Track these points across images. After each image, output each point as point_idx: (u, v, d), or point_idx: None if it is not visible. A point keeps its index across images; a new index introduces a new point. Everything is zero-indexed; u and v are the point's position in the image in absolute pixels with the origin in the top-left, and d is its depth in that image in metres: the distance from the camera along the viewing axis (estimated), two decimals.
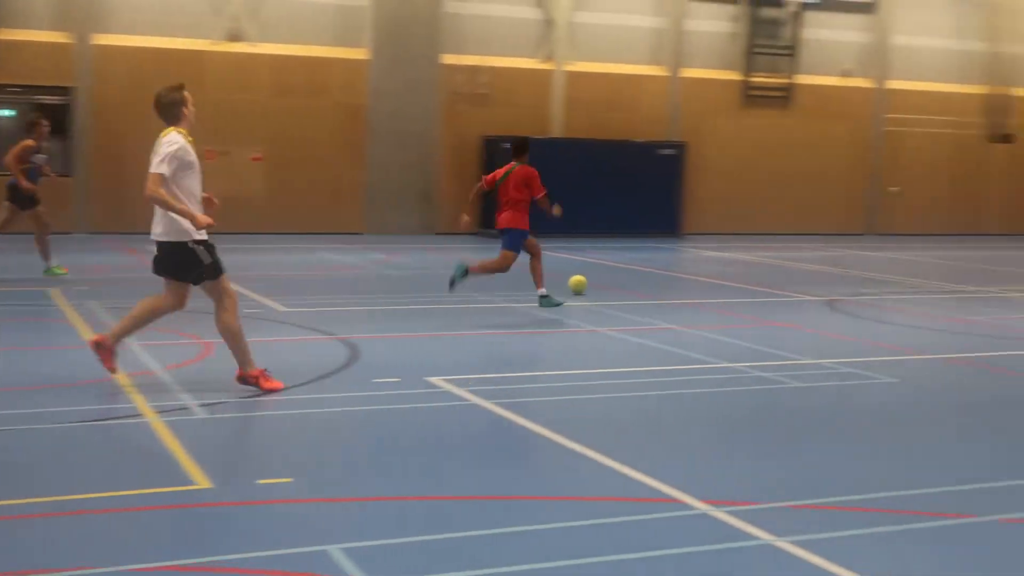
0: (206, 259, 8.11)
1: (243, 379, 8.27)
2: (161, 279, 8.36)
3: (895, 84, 28.28)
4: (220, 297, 8.22)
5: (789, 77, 27.31)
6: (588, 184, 24.09)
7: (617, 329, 11.73)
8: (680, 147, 25.67)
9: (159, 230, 8.09)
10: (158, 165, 7.88)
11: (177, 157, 7.91)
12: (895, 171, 28.30)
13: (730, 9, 26.97)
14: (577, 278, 14.33)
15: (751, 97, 27.08)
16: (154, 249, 8.25)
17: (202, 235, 8.11)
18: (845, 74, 28.01)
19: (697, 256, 21.50)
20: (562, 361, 10.34)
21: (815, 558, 5.20)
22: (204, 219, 8.02)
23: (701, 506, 5.91)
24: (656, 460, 6.86)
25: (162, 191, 7.85)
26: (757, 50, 26.98)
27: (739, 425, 7.95)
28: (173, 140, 7.98)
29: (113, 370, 8.36)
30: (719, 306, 13.95)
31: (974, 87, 28.99)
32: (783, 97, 27.38)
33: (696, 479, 6.45)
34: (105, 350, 8.30)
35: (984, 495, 6.31)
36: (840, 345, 11.25)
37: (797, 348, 10.86)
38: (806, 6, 26.98)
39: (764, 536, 5.48)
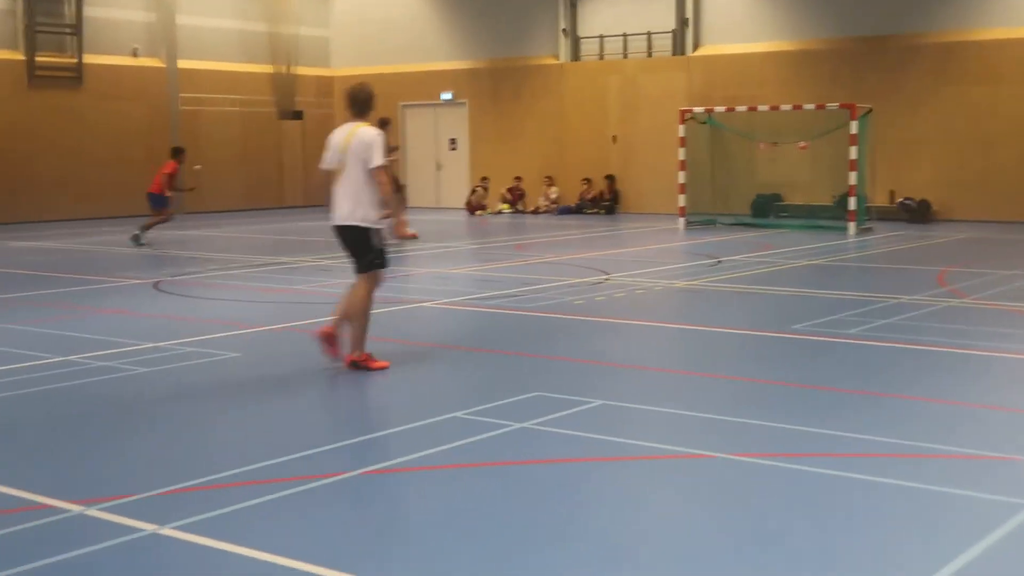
0: (380, 247, 8.86)
1: (354, 363, 8.82)
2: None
3: (186, 64, 28.47)
4: (365, 283, 8.87)
5: (76, 57, 26.37)
6: None
7: None
8: None
9: (354, 214, 8.76)
10: (378, 158, 8.66)
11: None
12: (195, 150, 28.43)
13: None
14: None
15: (38, 78, 25.79)
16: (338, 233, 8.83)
17: (381, 224, 8.86)
18: (134, 54, 27.65)
19: (2, 248, 20.04)
20: None
21: (204, 539, 5.13)
22: (406, 231, 9.52)
23: (75, 507, 5.56)
24: (13, 466, 6.33)
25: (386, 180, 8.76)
26: (39, 28, 25.71)
27: (94, 418, 7.57)
28: (372, 132, 8.73)
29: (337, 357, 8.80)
30: (36, 298, 13.18)
31: (261, 66, 30.07)
32: (73, 77, 26.41)
33: (63, 480, 6.06)
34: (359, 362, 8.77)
35: (346, 452, 6.62)
36: (175, 326, 11.15)
37: (134, 333, 10.58)
38: None
39: (148, 527, 5.29)
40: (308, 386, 8.59)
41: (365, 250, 8.91)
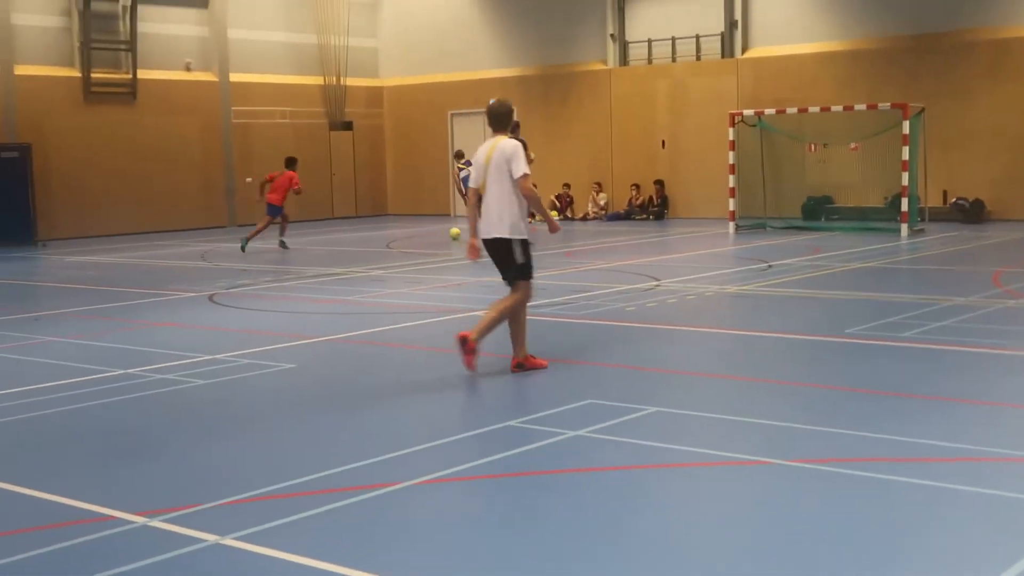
0: (523, 259, 9.04)
1: (519, 365, 9.05)
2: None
3: (238, 77, 28.80)
4: (518, 292, 9.10)
5: (131, 72, 26.76)
6: None
7: None
8: (23, 149, 24.17)
9: (501, 227, 8.92)
10: (523, 167, 8.89)
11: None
12: (248, 162, 28.85)
13: (60, 2, 25.82)
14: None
15: (94, 94, 26.19)
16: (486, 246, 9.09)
17: (527, 235, 9.06)
18: (187, 68, 28.02)
19: (59, 263, 20.40)
20: None
21: (266, 549, 5.21)
22: (557, 225, 9.82)
23: (138, 519, 5.66)
24: (76, 480, 6.46)
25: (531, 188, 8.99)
26: (95, 45, 26.11)
27: (156, 430, 7.70)
28: (512, 143, 8.96)
29: (472, 368, 8.87)
30: (95, 312, 13.40)
31: (311, 78, 30.35)
32: (128, 93, 26.79)
33: (125, 492, 6.17)
34: (469, 348, 8.84)
35: (401, 462, 6.68)
36: (232, 338, 11.28)
37: (190, 346, 10.73)
38: (139, 0, 26.52)
39: (210, 537, 5.38)
40: (363, 397, 8.66)
41: (511, 261, 9.09)
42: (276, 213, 21.50)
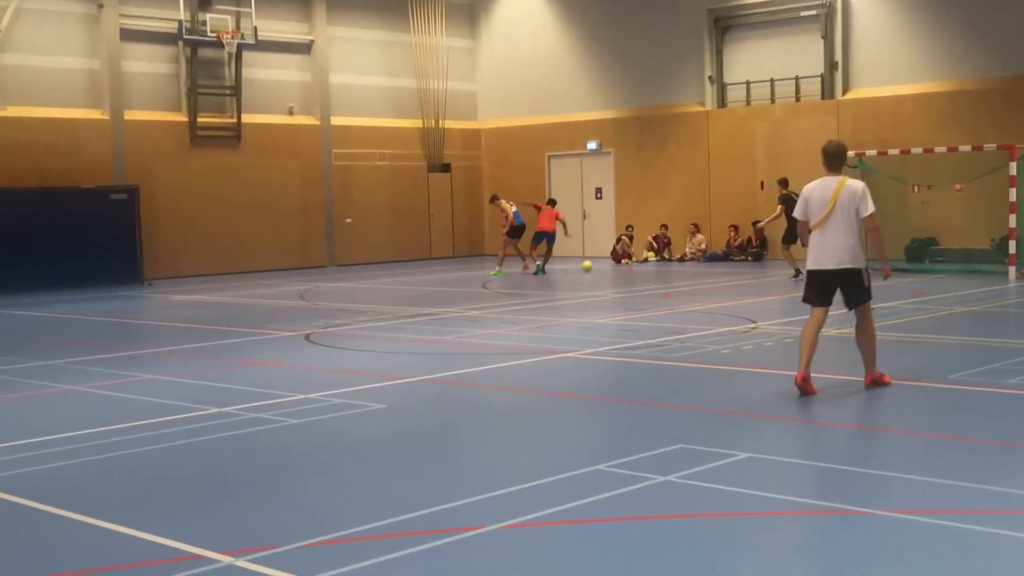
0: (869, 284, 9.90)
1: (874, 382, 9.94)
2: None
3: (338, 120, 29.28)
4: (865, 314, 9.91)
5: (235, 117, 27.37)
6: (32, 234, 22.79)
7: (91, 385, 11.07)
8: (131, 191, 24.84)
9: (847, 258, 9.66)
10: (871, 206, 9.67)
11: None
12: (347, 203, 29.29)
13: (168, 50, 26.56)
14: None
15: (199, 138, 26.83)
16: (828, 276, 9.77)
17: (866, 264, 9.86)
18: (290, 112, 28.57)
19: (164, 301, 20.87)
20: (36, 426, 9.47)
21: None
22: (888, 269, 10.56)
23: (224, 558, 5.68)
24: (165, 517, 6.52)
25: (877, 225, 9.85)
26: (201, 91, 26.78)
27: (245, 468, 7.76)
28: (861, 184, 9.79)
29: (814, 392, 9.64)
30: (196, 351, 13.63)
31: (410, 121, 30.73)
32: (232, 136, 27.39)
33: (212, 531, 6.21)
34: (807, 385, 9.63)
35: (486, 505, 6.62)
36: (325, 377, 11.37)
37: (284, 385, 10.84)
38: (244, 47, 27.15)
39: None
40: (451, 438, 8.65)
41: (859, 288, 9.84)
42: (551, 241, 24.54)
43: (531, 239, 25.04)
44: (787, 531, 6.11)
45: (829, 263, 9.76)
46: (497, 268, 24.75)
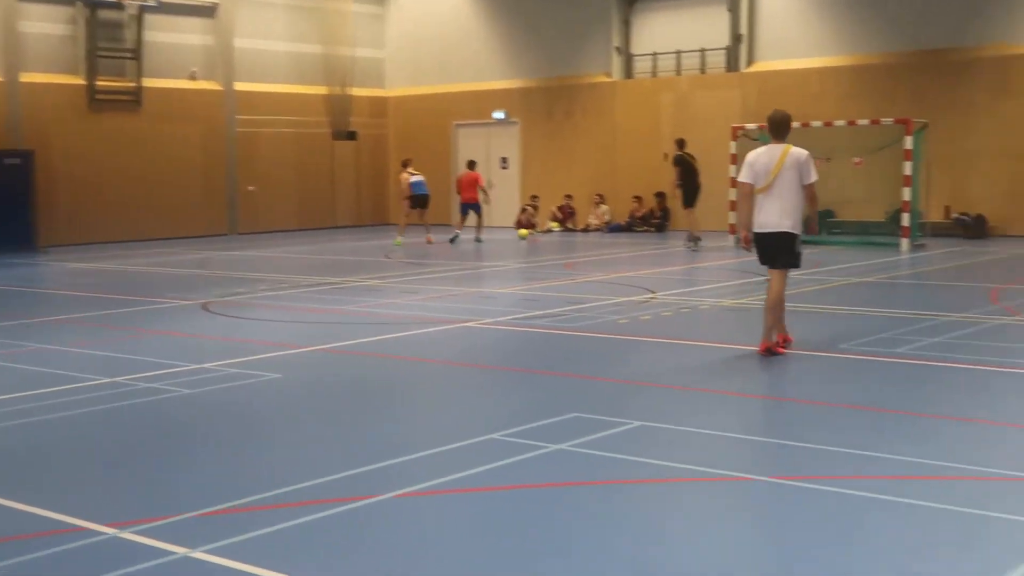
0: (799, 251, 10.26)
1: (768, 350, 10.11)
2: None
3: (242, 86, 28.82)
4: (782, 280, 10.26)
5: (136, 80, 26.79)
6: None
7: None
8: (26, 155, 24.22)
9: (786, 222, 10.08)
10: (814, 175, 10.15)
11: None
12: (250, 170, 28.91)
13: (66, 11, 25.87)
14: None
15: (99, 102, 26.23)
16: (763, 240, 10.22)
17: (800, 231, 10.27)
18: (192, 77, 28.04)
19: (60, 269, 20.41)
20: None
21: (236, 563, 5.14)
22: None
23: (108, 530, 5.61)
24: (52, 489, 6.41)
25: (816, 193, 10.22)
26: (100, 53, 26.15)
27: (134, 439, 7.64)
28: (805, 152, 10.20)
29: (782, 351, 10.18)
30: (90, 319, 13.38)
31: (316, 88, 30.36)
32: (132, 101, 26.82)
33: (98, 503, 6.12)
34: (772, 349, 10.07)
35: (380, 474, 6.63)
36: (221, 347, 11.25)
37: (179, 355, 10.69)
38: (145, 9, 26.55)
39: (179, 550, 5.32)
40: (345, 408, 8.62)
41: (790, 252, 10.27)
42: (479, 209, 24.89)
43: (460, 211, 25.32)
44: (675, 498, 6.21)
45: (769, 226, 10.23)
46: (398, 238, 24.61)
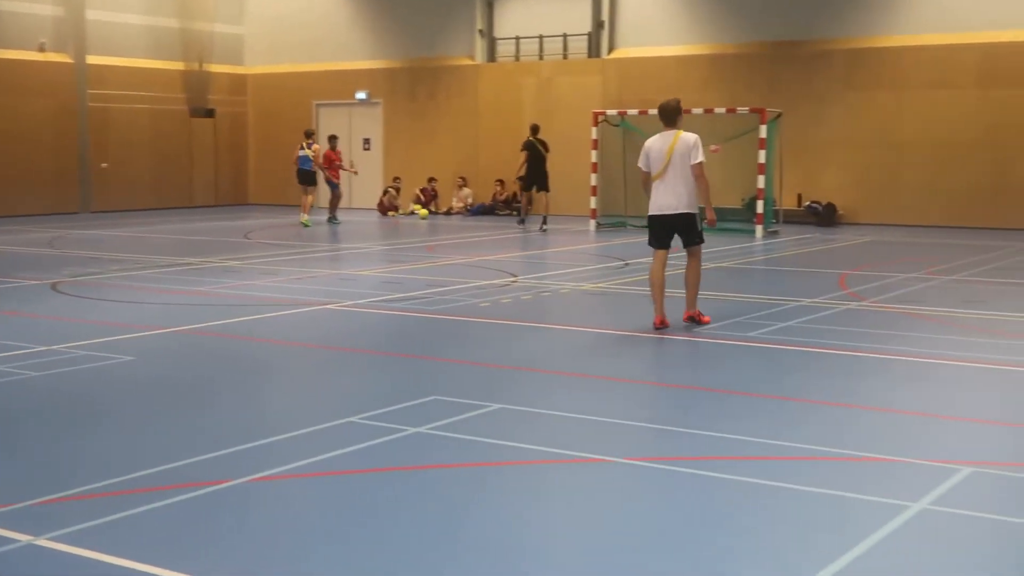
0: (702, 228, 10.89)
1: (691, 319, 10.86)
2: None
3: (95, 60, 27.93)
4: (696, 255, 10.89)
5: None
6: None
7: None
8: None
9: (683, 204, 10.64)
10: (700, 156, 10.60)
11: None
12: (104, 147, 28.03)
13: None
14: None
15: None
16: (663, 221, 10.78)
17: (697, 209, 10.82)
18: (41, 48, 27.05)
19: None
20: None
21: (83, 551, 5.00)
22: (714, 217, 11.29)
23: None
24: None
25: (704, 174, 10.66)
26: None
27: None
28: (693, 136, 10.71)
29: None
30: None
31: (173, 63, 29.61)
32: None
33: None
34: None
35: (235, 459, 6.51)
36: (72, 328, 10.90)
37: (28, 336, 10.32)
38: None
39: (23, 537, 5.14)
40: (200, 391, 8.44)
41: (693, 230, 10.81)
42: (335, 186, 24.54)
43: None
44: (530, 479, 6.25)
45: (668, 209, 10.74)
46: (303, 215, 23.67)
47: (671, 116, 10.91)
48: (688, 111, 22.63)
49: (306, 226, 23.06)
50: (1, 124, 26.08)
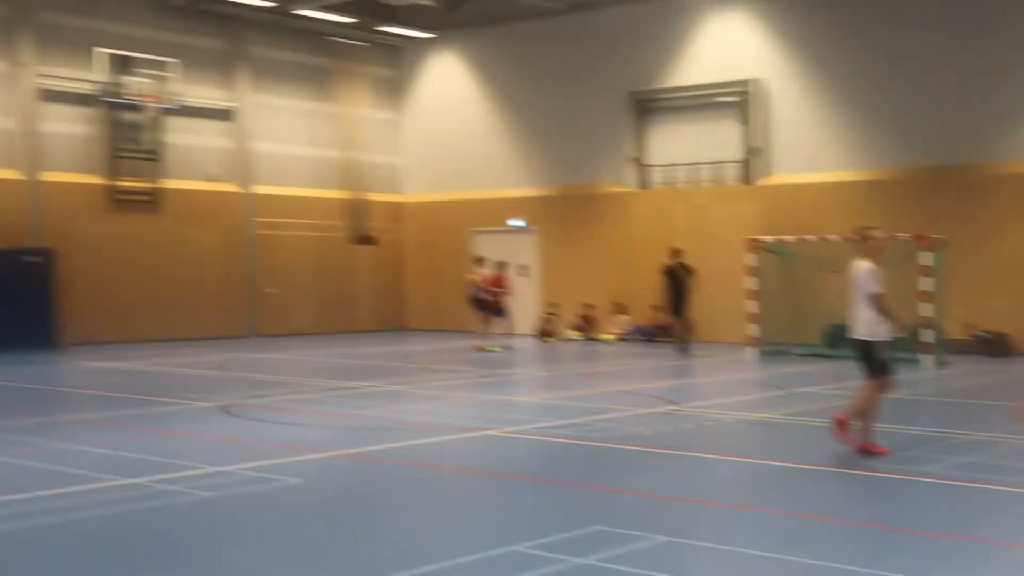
0: (883, 358, 10.83)
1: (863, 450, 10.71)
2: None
3: (261, 189, 29.11)
4: (868, 385, 10.85)
5: (155, 181, 27.07)
6: None
7: None
8: (47, 254, 24.38)
9: (858, 330, 10.81)
10: (871, 287, 10.68)
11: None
12: (270, 273, 29.01)
13: (87, 111, 26.21)
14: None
15: (118, 201, 26.48)
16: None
17: (882, 338, 10.82)
18: (211, 178, 28.33)
19: (79, 368, 20.41)
20: None
21: None
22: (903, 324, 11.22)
23: None
24: None
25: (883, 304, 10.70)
26: (120, 154, 26.47)
27: (148, 542, 7.53)
28: (866, 266, 10.79)
29: (849, 443, 10.78)
30: (109, 419, 13.32)
31: (334, 192, 30.65)
32: (151, 201, 27.05)
33: None
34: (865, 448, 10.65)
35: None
36: (241, 450, 11.17)
37: (199, 456, 10.61)
38: (166, 111, 26.94)
39: None
40: (365, 515, 8.51)
41: (869, 359, 10.84)
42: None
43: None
44: None
45: (851, 332, 11.06)
46: (491, 343, 24.04)
47: (855, 243, 11.19)
48: (849, 237, 22.34)
49: (495, 352, 23.34)
50: (174, 250, 27.28)
